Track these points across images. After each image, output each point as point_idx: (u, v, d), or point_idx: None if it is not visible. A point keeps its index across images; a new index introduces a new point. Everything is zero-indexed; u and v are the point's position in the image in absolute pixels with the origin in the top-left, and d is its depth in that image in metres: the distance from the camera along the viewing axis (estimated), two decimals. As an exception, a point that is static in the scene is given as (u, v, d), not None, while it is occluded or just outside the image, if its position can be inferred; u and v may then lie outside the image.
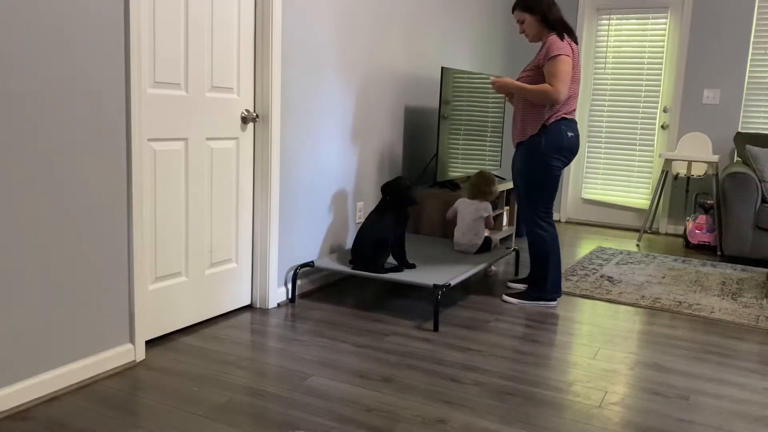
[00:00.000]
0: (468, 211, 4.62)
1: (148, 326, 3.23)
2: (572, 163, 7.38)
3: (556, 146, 3.94)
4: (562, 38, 3.86)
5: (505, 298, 4.24)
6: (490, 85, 3.98)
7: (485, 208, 4.61)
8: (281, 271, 4.00)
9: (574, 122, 4.01)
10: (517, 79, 4.03)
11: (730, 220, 5.58)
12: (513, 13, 4.08)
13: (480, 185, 4.70)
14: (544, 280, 4.16)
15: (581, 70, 3.96)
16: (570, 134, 3.96)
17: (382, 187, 4.15)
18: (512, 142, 4.15)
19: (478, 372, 3.12)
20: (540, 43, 4.02)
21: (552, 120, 3.92)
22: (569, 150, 3.99)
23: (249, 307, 3.90)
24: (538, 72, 3.91)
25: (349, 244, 4.65)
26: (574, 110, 4.01)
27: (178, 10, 3.19)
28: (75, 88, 2.64)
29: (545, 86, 3.83)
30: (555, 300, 4.20)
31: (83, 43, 2.65)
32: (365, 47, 4.56)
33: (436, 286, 3.71)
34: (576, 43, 3.97)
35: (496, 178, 4.94)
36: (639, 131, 7.01)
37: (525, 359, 3.31)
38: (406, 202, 4.09)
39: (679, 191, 6.84)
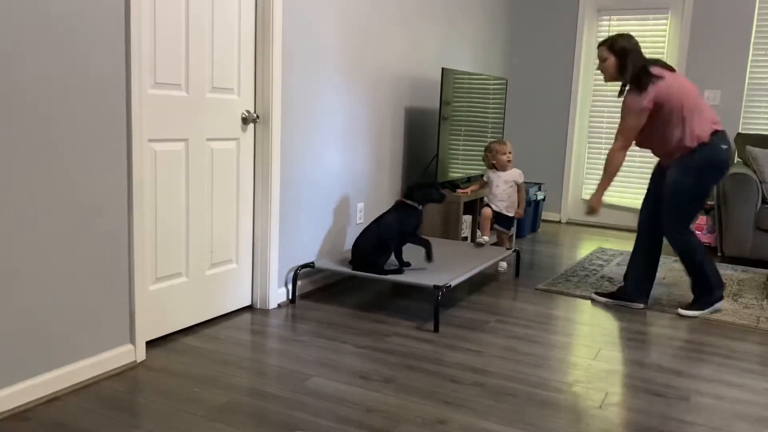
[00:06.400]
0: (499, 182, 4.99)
1: (149, 327, 3.23)
2: (573, 164, 7.38)
3: (711, 161, 3.92)
4: (641, 89, 3.89)
5: (683, 312, 4.14)
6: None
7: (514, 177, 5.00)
8: (281, 272, 4.00)
9: (724, 133, 3.98)
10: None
11: (731, 221, 5.57)
12: (598, 48, 4.10)
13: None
14: (708, 284, 4.13)
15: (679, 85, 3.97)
16: (724, 146, 3.93)
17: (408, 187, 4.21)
18: (662, 162, 4.15)
19: (479, 373, 3.11)
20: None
21: (705, 136, 3.90)
22: (725, 163, 3.96)
23: (249, 308, 3.90)
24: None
25: (349, 244, 4.65)
26: (716, 122, 3.98)
27: (178, 10, 3.19)
28: (76, 88, 2.64)
29: (609, 152, 4.07)
30: (722, 298, 4.20)
31: (84, 43, 2.65)
32: (366, 48, 4.56)
33: (436, 287, 3.71)
34: (670, 69, 4.00)
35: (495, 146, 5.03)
36: (639, 132, 7.00)
37: (525, 360, 3.30)
38: (429, 200, 4.15)
39: (680, 192, 6.82)
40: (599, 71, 4.15)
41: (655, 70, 3.94)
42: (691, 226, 4.08)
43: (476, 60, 6.46)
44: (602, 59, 4.08)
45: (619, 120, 4.02)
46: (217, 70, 3.46)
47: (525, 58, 7.47)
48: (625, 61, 3.97)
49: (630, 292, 4.27)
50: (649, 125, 3.96)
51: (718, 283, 4.15)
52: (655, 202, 4.18)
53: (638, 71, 3.95)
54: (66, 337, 2.74)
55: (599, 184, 4.16)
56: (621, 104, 4.01)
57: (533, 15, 7.40)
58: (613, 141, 4.13)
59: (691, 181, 3.95)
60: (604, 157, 7.18)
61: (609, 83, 4.14)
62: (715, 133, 3.93)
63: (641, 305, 4.23)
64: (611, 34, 4.21)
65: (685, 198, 4.00)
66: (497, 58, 7.04)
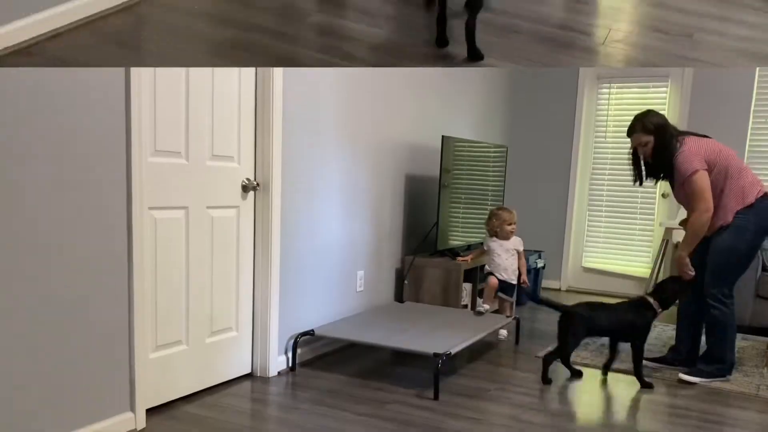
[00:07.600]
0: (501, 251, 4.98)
1: (149, 394, 3.21)
2: (573, 231, 7.38)
3: (763, 223, 3.92)
4: (691, 151, 3.88)
5: (684, 377, 4.09)
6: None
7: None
8: (282, 340, 4.00)
9: None
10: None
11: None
12: (630, 136, 4.08)
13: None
14: (721, 358, 4.08)
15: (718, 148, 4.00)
16: None
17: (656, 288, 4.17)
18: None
19: (478, 441, 3.09)
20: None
21: (752, 198, 3.90)
22: None
23: (249, 376, 3.89)
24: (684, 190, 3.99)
25: (349, 312, 4.64)
26: (761, 185, 3.98)
27: (178, 81, 3.27)
28: (76, 154, 2.70)
29: (692, 218, 3.92)
30: (730, 374, 4.15)
31: (85, 111, 2.72)
32: (366, 116, 4.64)
33: (436, 355, 3.70)
34: (705, 136, 4.05)
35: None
36: (639, 199, 7.02)
37: (526, 428, 3.28)
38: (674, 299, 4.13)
39: (681, 259, 6.81)
40: (638, 156, 4.10)
41: (695, 139, 3.98)
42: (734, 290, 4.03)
43: (476, 127, 6.54)
44: (642, 144, 4.01)
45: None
46: (217, 138, 3.53)
47: (526, 125, 7.53)
48: (665, 135, 3.96)
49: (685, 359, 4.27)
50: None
51: (731, 360, 4.12)
52: (701, 267, 4.02)
53: (677, 134, 3.99)
54: (66, 405, 2.73)
55: (683, 245, 3.99)
56: (677, 179, 3.95)
57: (534, 81, 7.46)
58: (692, 209, 3.98)
59: (745, 245, 3.92)
60: (605, 223, 7.26)
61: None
62: (764, 196, 3.92)
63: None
64: (635, 115, 4.09)
65: (741, 261, 3.98)
66: (498, 126, 7.13)
